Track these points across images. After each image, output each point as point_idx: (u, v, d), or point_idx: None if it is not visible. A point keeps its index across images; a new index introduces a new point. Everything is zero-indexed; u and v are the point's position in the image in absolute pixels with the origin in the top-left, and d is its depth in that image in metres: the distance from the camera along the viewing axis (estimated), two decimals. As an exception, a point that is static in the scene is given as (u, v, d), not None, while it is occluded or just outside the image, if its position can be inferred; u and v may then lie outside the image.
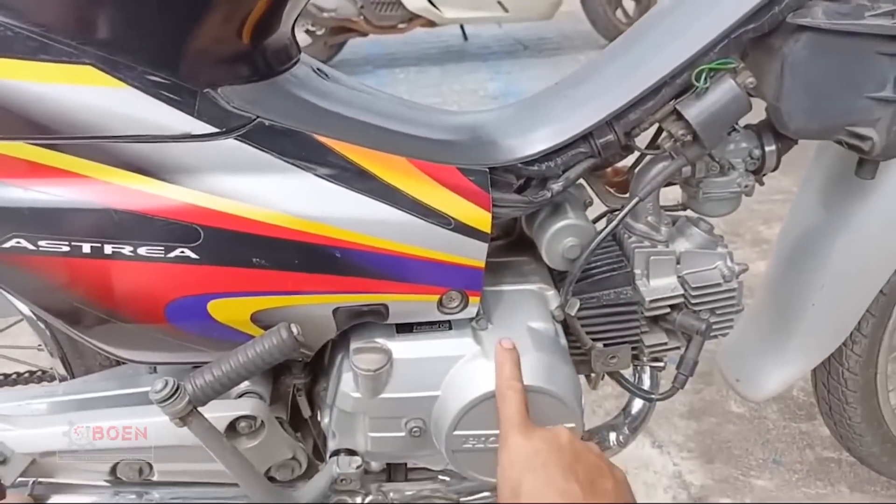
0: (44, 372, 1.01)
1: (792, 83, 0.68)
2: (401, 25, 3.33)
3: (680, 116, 0.72)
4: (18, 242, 0.61)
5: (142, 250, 0.62)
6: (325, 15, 3.20)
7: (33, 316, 0.85)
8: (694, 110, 0.70)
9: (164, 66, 0.60)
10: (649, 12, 0.80)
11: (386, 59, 3.72)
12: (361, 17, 3.25)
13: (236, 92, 0.64)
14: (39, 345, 0.89)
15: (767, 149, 0.78)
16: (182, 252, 0.63)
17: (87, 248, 0.62)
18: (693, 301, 0.81)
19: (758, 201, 1.79)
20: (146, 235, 0.62)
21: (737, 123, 0.76)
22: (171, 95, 0.60)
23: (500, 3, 3.26)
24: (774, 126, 0.75)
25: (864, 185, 0.77)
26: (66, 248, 0.62)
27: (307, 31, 3.31)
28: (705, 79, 0.69)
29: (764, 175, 0.81)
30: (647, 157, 0.79)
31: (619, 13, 3.59)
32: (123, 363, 0.79)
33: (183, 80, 0.61)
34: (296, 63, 0.73)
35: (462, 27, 3.70)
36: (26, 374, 1.02)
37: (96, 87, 0.58)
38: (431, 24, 3.35)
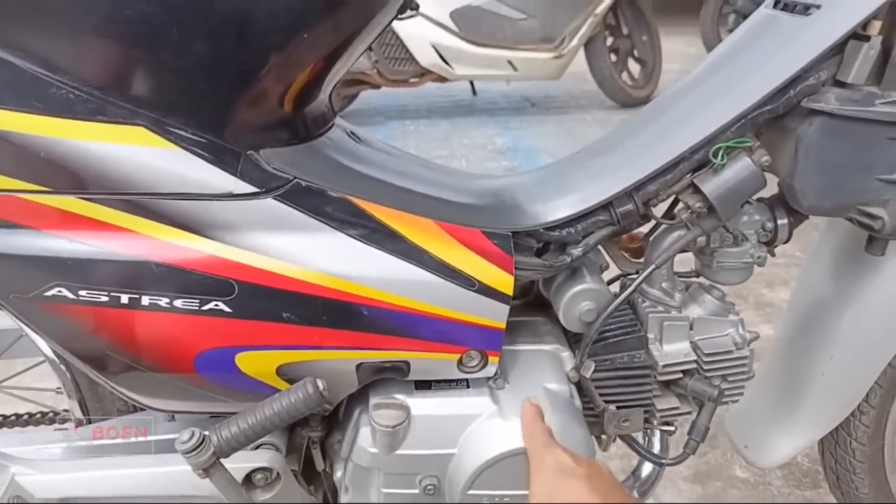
0: (56, 414, 1.02)
1: (805, 163, 0.72)
2: (413, 80, 3.43)
3: (697, 189, 0.75)
4: (60, 291, 0.63)
5: (178, 302, 0.64)
6: (340, 67, 3.29)
7: (56, 358, 0.86)
8: (711, 185, 0.73)
9: (211, 129, 0.63)
10: (671, 90, 0.84)
11: (397, 110, 3.81)
12: (375, 71, 3.35)
13: (277, 154, 0.67)
14: (58, 387, 0.90)
15: (780, 222, 0.81)
16: (216, 305, 0.65)
17: (125, 298, 0.64)
18: (705, 367, 0.83)
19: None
20: (183, 288, 0.64)
21: (751, 197, 0.79)
22: (216, 157, 0.63)
23: (509, 62, 3.37)
24: (787, 201, 0.78)
25: (873, 260, 0.80)
26: (105, 299, 0.64)
27: (321, 82, 3.39)
28: (722, 156, 0.73)
29: (776, 247, 0.84)
30: (664, 226, 0.82)
31: (624, 75, 3.70)
32: (142, 410, 0.80)
33: (228, 142, 0.64)
34: (332, 127, 0.76)
35: (472, 83, 3.80)
36: (39, 415, 1.02)
37: (147, 148, 0.62)
38: (442, 79, 3.45)
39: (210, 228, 0.64)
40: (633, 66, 3.72)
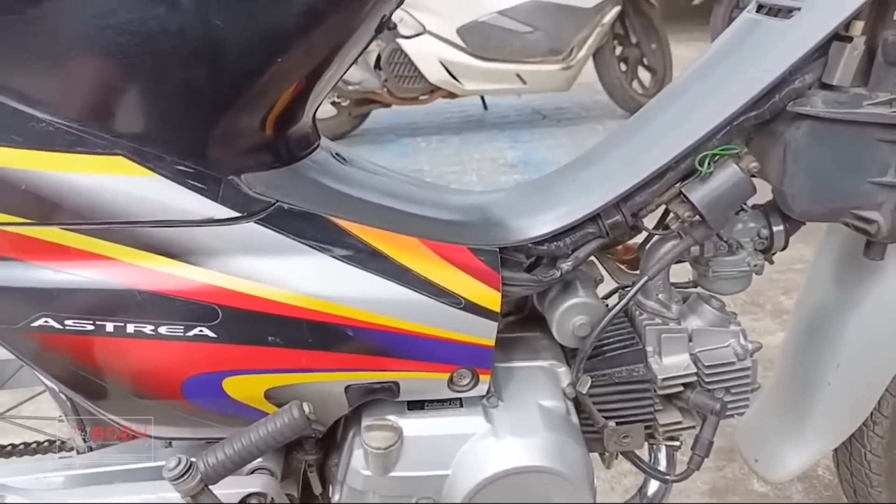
0: (63, 443, 1.03)
1: (795, 168, 0.70)
2: (422, 97, 3.44)
3: (686, 199, 0.74)
4: (46, 322, 0.64)
5: (162, 329, 0.65)
6: (350, 88, 3.33)
7: (55, 387, 0.87)
8: (698, 193, 0.72)
9: (191, 156, 0.64)
10: (654, 98, 0.83)
11: (408, 128, 3.83)
12: (385, 90, 3.38)
13: (258, 178, 0.67)
14: (60, 416, 0.91)
15: (775, 229, 0.79)
16: (201, 331, 0.65)
17: (110, 327, 0.64)
18: (707, 380, 0.81)
19: (778, 271, 1.77)
20: (167, 315, 0.64)
21: (745, 204, 0.78)
22: (197, 183, 0.64)
23: (518, 75, 3.37)
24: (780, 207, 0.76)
25: (874, 265, 0.78)
26: (91, 327, 0.64)
27: (333, 103, 3.44)
28: (709, 164, 0.72)
29: (773, 254, 0.82)
30: (656, 237, 0.81)
31: (635, 84, 3.68)
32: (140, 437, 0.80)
33: (209, 168, 0.65)
34: (315, 149, 0.76)
35: (482, 98, 3.81)
36: (45, 444, 1.03)
37: (127, 177, 0.62)
38: (452, 95, 3.47)
39: (192, 254, 0.65)
40: (644, 75, 3.70)
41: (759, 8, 0.75)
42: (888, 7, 0.66)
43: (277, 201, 0.67)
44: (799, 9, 0.69)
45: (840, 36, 0.68)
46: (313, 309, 0.67)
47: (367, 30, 0.69)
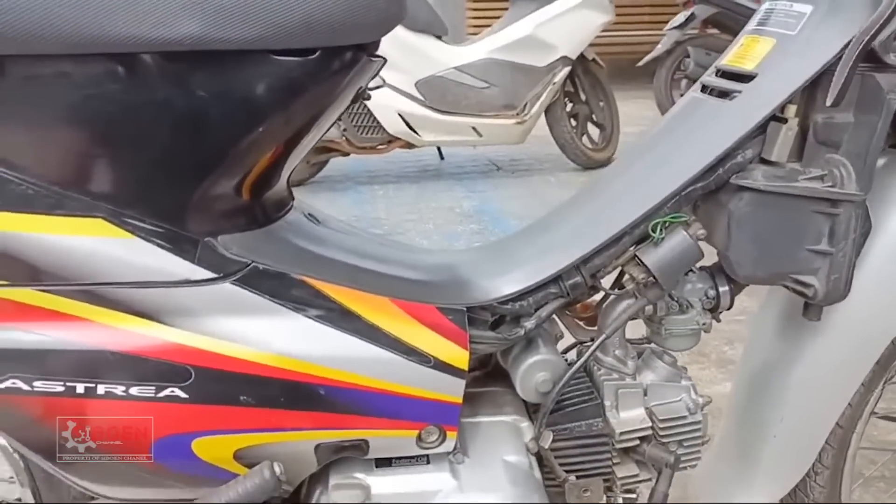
0: (8, 504, 0.99)
1: (738, 235, 0.76)
2: (381, 147, 3.50)
3: (640, 262, 0.79)
4: (14, 383, 0.63)
5: (133, 390, 0.65)
6: (309, 136, 3.35)
7: (9, 447, 0.84)
8: (651, 257, 0.77)
9: (168, 218, 0.65)
10: (609, 167, 0.89)
11: (366, 176, 3.87)
12: (344, 139, 3.42)
13: (234, 240, 0.69)
14: (11, 477, 0.88)
15: (721, 289, 0.85)
16: (172, 391, 0.65)
17: (80, 388, 0.64)
18: (661, 433, 0.85)
19: (723, 321, 1.86)
20: (139, 376, 0.65)
21: (694, 266, 0.83)
22: (174, 244, 0.65)
23: (474, 128, 3.47)
24: (726, 271, 0.82)
25: (812, 325, 0.84)
26: (61, 389, 0.64)
27: (290, 150, 3.45)
28: (660, 230, 0.77)
29: (720, 313, 0.88)
30: (612, 296, 0.85)
31: (584, 139, 3.83)
32: (97, 499, 0.79)
33: (186, 230, 0.66)
34: (289, 210, 0.79)
35: (439, 148, 3.90)
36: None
37: (105, 238, 0.63)
38: (410, 145, 3.53)
39: (167, 315, 0.66)
40: (593, 130, 3.86)
41: (704, 88, 0.82)
42: (817, 93, 0.74)
43: (253, 262, 0.69)
44: (740, 92, 0.76)
45: (777, 117, 0.75)
46: (286, 368, 0.68)
47: (345, 100, 0.72)
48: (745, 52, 0.79)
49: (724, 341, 2.04)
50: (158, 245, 0.65)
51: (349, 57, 0.68)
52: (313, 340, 0.70)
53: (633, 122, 4.09)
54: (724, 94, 0.79)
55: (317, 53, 0.64)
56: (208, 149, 0.65)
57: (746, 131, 0.74)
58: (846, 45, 0.70)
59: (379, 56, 0.73)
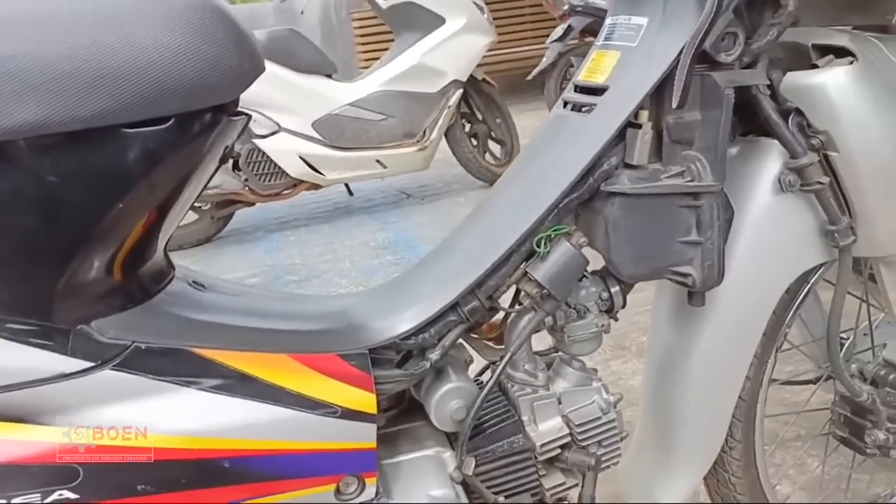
0: None
1: (616, 238, 0.80)
2: (286, 192, 3.45)
3: (531, 277, 0.81)
4: None
5: (17, 500, 0.60)
6: (210, 191, 3.26)
7: None
8: (540, 272, 0.80)
9: (34, 313, 0.62)
10: (491, 189, 0.91)
11: (276, 223, 3.80)
12: (247, 189, 3.35)
13: (110, 323, 0.66)
14: None
15: (613, 290, 0.88)
16: (61, 494, 0.61)
17: (-46, 510, 0.59)
18: (579, 438, 0.87)
19: (637, 312, 1.92)
20: (21, 485, 0.60)
21: (585, 272, 0.86)
22: (43, 339, 0.62)
23: (378, 160, 3.49)
24: (612, 272, 0.86)
25: (699, 310, 0.88)
26: (-69, 515, 0.59)
27: (193, 208, 3.36)
28: (545, 244, 0.80)
29: (616, 312, 0.91)
30: (513, 314, 0.87)
31: (487, 156, 3.92)
32: None
33: (55, 322, 0.63)
34: (171, 281, 0.76)
35: (346, 185, 3.88)
36: None
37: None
38: (316, 186, 3.50)
39: (44, 415, 0.62)
40: (494, 147, 3.95)
41: (566, 104, 0.86)
42: (664, 97, 0.78)
43: (133, 343, 0.66)
44: (595, 105, 0.81)
45: (632, 124, 0.79)
46: (183, 448, 0.65)
47: (212, 161, 0.71)
48: (595, 66, 0.84)
49: (642, 332, 2.12)
50: (24, 343, 0.61)
51: (208, 119, 0.66)
52: (211, 413, 0.67)
53: (529, 134, 4.22)
54: (583, 108, 0.83)
55: (171, 121, 0.62)
56: (68, 234, 0.62)
57: (607, 140, 0.78)
58: (681, 51, 0.75)
59: (241, 112, 0.72)
